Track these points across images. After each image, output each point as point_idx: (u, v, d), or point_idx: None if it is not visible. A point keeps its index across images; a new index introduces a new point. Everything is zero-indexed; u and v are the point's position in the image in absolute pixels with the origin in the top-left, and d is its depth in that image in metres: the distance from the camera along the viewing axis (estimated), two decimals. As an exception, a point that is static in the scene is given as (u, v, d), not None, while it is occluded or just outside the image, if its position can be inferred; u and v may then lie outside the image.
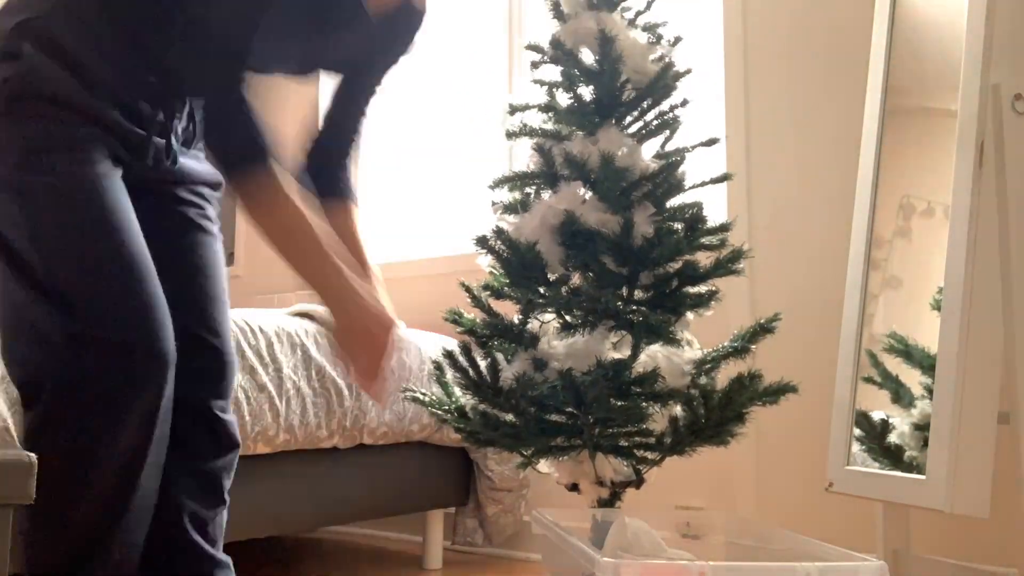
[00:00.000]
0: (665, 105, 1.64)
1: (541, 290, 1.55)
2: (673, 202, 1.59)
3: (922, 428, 1.53)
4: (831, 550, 1.24)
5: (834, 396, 1.79)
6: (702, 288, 1.58)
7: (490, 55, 3.06)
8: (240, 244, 3.66)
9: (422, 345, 2.33)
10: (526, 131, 1.66)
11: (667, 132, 1.65)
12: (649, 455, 1.56)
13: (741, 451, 2.23)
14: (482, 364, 1.53)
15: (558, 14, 1.67)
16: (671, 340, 1.51)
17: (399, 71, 1.72)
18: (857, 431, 1.72)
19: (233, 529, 1.82)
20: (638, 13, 1.68)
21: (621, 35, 1.59)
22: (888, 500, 1.59)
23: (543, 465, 1.62)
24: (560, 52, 1.63)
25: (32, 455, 1.05)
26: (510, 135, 1.68)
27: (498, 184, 1.66)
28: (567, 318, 1.56)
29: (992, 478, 1.41)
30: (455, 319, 1.60)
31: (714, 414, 1.49)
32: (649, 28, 1.67)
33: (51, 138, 1.29)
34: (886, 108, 1.80)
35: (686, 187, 1.60)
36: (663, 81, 1.60)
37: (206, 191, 1.55)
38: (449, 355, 1.55)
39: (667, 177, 1.56)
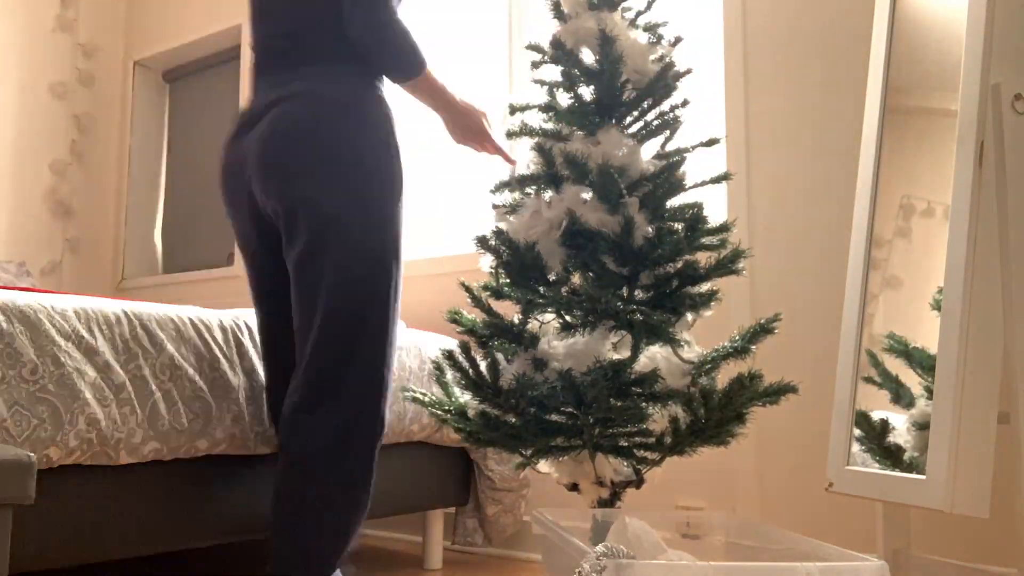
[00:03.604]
0: (665, 105, 1.64)
1: (541, 290, 1.55)
2: (673, 202, 1.60)
3: (922, 428, 1.53)
4: (831, 550, 1.23)
5: (834, 396, 1.79)
6: (702, 288, 1.58)
7: (490, 55, 3.06)
8: (240, 244, 3.63)
9: (422, 345, 2.33)
10: (526, 131, 1.66)
11: (667, 132, 1.65)
12: (649, 455, 1.56)
13: (741, 451, 2.23)
14: (482, 364, 1.53)
15: (559, 14, 1.67)
16: (671, 340, 1.51)
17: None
18: (857, 431, 1.71)
19: (233, 529, 1.82)
20: (639, 13, 1.68)
21: (622, 35, 1.59)
22: (888, 500, 1.59)
23: (543, 465, 1.62)
24: (560, 52, 1.63)
25: (31, 455, 1.04)
26: (510, 135, 1.69)
27: (499, 188, 1.67)
28: (567, 318, 1.56)
29: (992, 478, 1.41)
30: (455, 319, 1.60)
31: (714, 414, 1.49)
32: (649, 28, 1.67)
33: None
34: (886, 108, 1.80)
35: (686, 187, 1.61)
36: (663, 81, 1.61)
37: None
38: (449, 355, 1.55)
39: (667, 177, 1.56)
